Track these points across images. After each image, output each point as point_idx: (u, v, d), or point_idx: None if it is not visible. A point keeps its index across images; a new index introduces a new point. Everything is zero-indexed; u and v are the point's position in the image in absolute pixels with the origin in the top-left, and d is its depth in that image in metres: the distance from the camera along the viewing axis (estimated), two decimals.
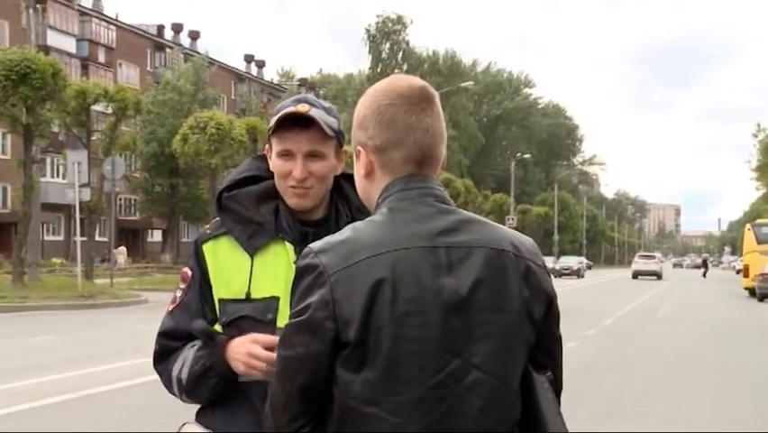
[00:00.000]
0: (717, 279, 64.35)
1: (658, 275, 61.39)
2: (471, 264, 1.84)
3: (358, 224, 1.91)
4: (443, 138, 1.99)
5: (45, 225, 44.49)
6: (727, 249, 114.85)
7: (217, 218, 2.40)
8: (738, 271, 52.56)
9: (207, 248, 2.35)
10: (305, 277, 1.84)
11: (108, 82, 42.55)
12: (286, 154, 2.29)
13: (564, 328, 2.04)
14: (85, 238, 30.89)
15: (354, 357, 1.78)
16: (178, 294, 2.37)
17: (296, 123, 2.27)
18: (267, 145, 2.37)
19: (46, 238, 45.35)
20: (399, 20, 64.31)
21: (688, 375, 13.09)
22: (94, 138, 34.09)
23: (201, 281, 2.34)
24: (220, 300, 2.31)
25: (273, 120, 2.30)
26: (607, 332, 19.25)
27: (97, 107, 34.37)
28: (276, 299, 2.26)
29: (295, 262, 2.21)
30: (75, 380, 10.98)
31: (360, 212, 2.37)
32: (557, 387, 1.96)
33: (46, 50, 42.04)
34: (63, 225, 52.74)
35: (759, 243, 37.91)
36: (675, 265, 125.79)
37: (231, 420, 2.26)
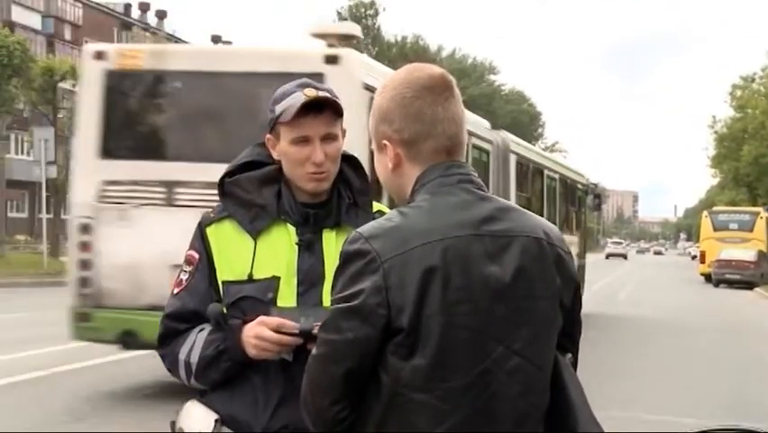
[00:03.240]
0: (674, 264, 65.39)
1: (624, 256, 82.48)
2: (513, 252, 1.85)
3: (404, 209, 1.90)
4: (465, 123, 2.01)
5: (9, 202, 44.26)
6: (683, 235, 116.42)
7: (219, 203, 2.40)
8: (694, 257, 53.56)
9: (211, 231, 2.35)
10: (354, 262, 1.82)
11: (74, 60, 42.35)
12: (303, 140, 2.28)
13: None
14: (50, 215, 30.91)
15: (405, 344, 1.78)
16: (184, 277, 2.36)
17: (310, 108, 2.26)
18: (269, 135, 2.35)
19: (9, 215, 45.10)
20: (372, 5, 64.33)
21: (649, 359, 13.33)
22: (60, 116, 34.02)
23: (206, 264, 2.34)
24: (224, 282, 2.31)
25: (286, 108, 2.27)
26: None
27: (64, 85, 34.28)
28: (276, 279, 2.27)
29: (297, 243, 2.30)
30: (46, 357, 11.12)
31: (361, 194, 2.39)
32: (575, 368, 2.01)
33: (11, 25, 41.77)
34: (27, 202, 52.42)
35: (715, 230, 38.71)
36: (639, 252, 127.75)
37: (231, 398, 2.27)
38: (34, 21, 56.56)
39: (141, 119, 9.08)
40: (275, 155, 2.35)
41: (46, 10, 58.65)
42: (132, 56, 8.79)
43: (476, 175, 1.96)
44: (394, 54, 61.81)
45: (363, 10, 63.93)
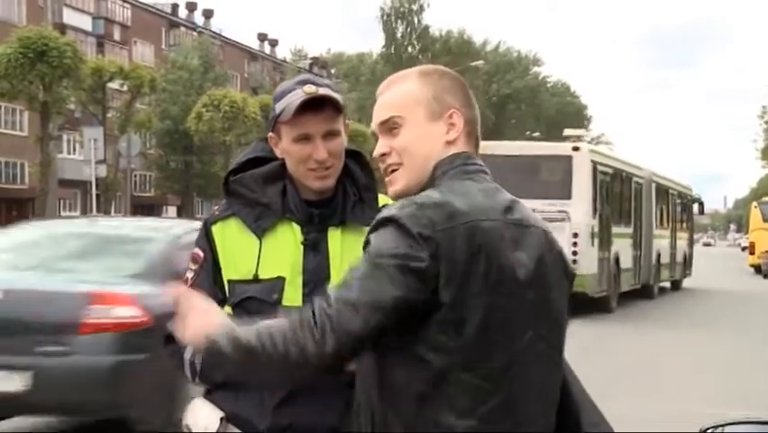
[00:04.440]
0: (723, 256, 64.38)
1: None
2: (532, 242, 1.89)
3: (436, 190, 1.87)
4: None
5: (62, 201, 45.16)
6: (733, 227, 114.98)
7: (224, 201, 2.39)
8: (744, 249, 52.92)
9: (216, 229, 2.33)
10: (404, 225, 1.78)
11: (123, 60, 43.14)
12: (304, 138, 2.25)
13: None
14: (101, 214, 31.59)
15: (450, 321, 1.77)
16: (190, 275, 2.35)
17: (309, 105, 2.23)
18: (271, 133, 2.33)
19: (63, 213, 46.00)
20: (415, 0, 64.36)
21: (696, 348, 13.11)
22: (109, 115, 34.72)
23: (212, 262, 2.32)
24: (229, 281, 2.30)
25: (286, 107, 2.26)
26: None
27: (113, 85, 34.97)
28: (281, 280, 2.25)
29: (302, 243, 2.28)
30: None
31: (367, 189, 2.37)
32: None
33: (62, 27, 42.62)
34: (79, 200, 53.39)
35: (765, 220, 38.15)
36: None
37: (236, 397, 2.26)
38: (85, 22, 57.58)
39: None
40: (278, 154, 2.33)
41: (96, 11, 59.66)
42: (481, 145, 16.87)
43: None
44: (438, 49, 61.84)
45: (407, 5, 63.99)
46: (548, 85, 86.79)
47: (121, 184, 35.04)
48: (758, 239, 37.54)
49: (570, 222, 15.44)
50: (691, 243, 28.73)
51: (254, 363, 1.86)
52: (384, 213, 1.84)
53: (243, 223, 2.30)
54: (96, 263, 6.40)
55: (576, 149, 16.48)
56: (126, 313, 5.76)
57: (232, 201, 2.35)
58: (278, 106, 2.27)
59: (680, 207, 25.92)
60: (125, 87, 34.93)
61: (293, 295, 2.24)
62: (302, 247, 2.28)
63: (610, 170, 18.19)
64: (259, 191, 2.31)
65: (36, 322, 5.79)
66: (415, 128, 1.94)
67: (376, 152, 2.00)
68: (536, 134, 76.64)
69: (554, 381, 1.92)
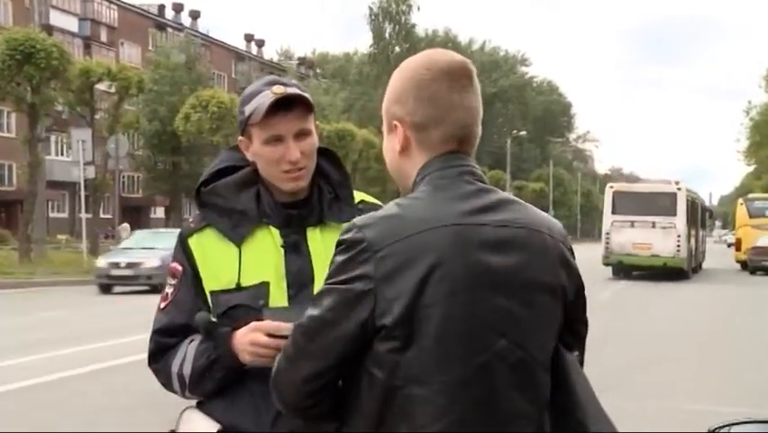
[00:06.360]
0: (709, 252, 64.23)
1: None
2: (514, 243, 1.79)
3: (401, 200, 1.83)
4: (481, 116, 1.93)
5: (50, 203, 45.05)
6: (718, 223, 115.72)
7: (198, 213, 2.36)
8: (730, 245, 53.23)
9: (193, 241, 2.29)
10: (347, 251, 1.76)
11: (110, 61, 43.07)
12: (276, 140, 2.22)
13: None
14: (89, 215, 31.50)
15: (400, 336, 1.71)
16: (169, 291, 2.31)
17: (280, 105, 2.20)
18: (241, 137, 2.30)
19: (51, 215, 45.86)
20: (404, 0, 64.43)
21: (687, 348, 13.10)
22: (97, 117, 34.63)
23: (192, 276, 2.28)
24: (211, 292, 2.26)
25: (255, 108, 2.23)
26: (604, 306, 19.38)
27: (101, 86, 34.90)
28: (266, 285, 2.22)
29: (282, 246, 2.25)
30: (85, 354, 11.47)
31: (341, 186, 2.34)
32: (581, 366, 1.95)
33: (49, 29, 42.55)
34: (68, 202, 53.35)
35: (751, 217, 38.47)
36: None
37: (231, 407, 2.22)
38: (71, 24, 57.53)
39: (625, 208, 30.28)
40: (249, 157, 2.29)
41: (83, 13, 59.61)
42: (621, 186, 32.93)
43: (478, 168, 1.90)
44: (423, 49, 61.87)
45: (396, 6, 64.08)
46: (534, 84, 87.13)
47: (109, 185, 34.94)
48: (744, 235, 37.78)
49: (676, 229, 29.28)
50: (704, 239, 41.41)
51: None
52: (340, 234, 1.81)
53: (220, 232, 2.27)
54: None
55: (679, 188, 30.29)
56: None
57: (206, 212, 2.31)
58: (248, 109, 2.24)
59: (702, 214, 38.21)
60: (113, 89, 34.77)
61: (279, 298, 2.22)
62: (282, 250, 2.24)
63: (691, 198, 32.13)
64: (233, 199, 2.28)
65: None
66: (385, 141, 1.96)
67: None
68: (523, 133, 77.07)
69: (535, 391, 1.82)
